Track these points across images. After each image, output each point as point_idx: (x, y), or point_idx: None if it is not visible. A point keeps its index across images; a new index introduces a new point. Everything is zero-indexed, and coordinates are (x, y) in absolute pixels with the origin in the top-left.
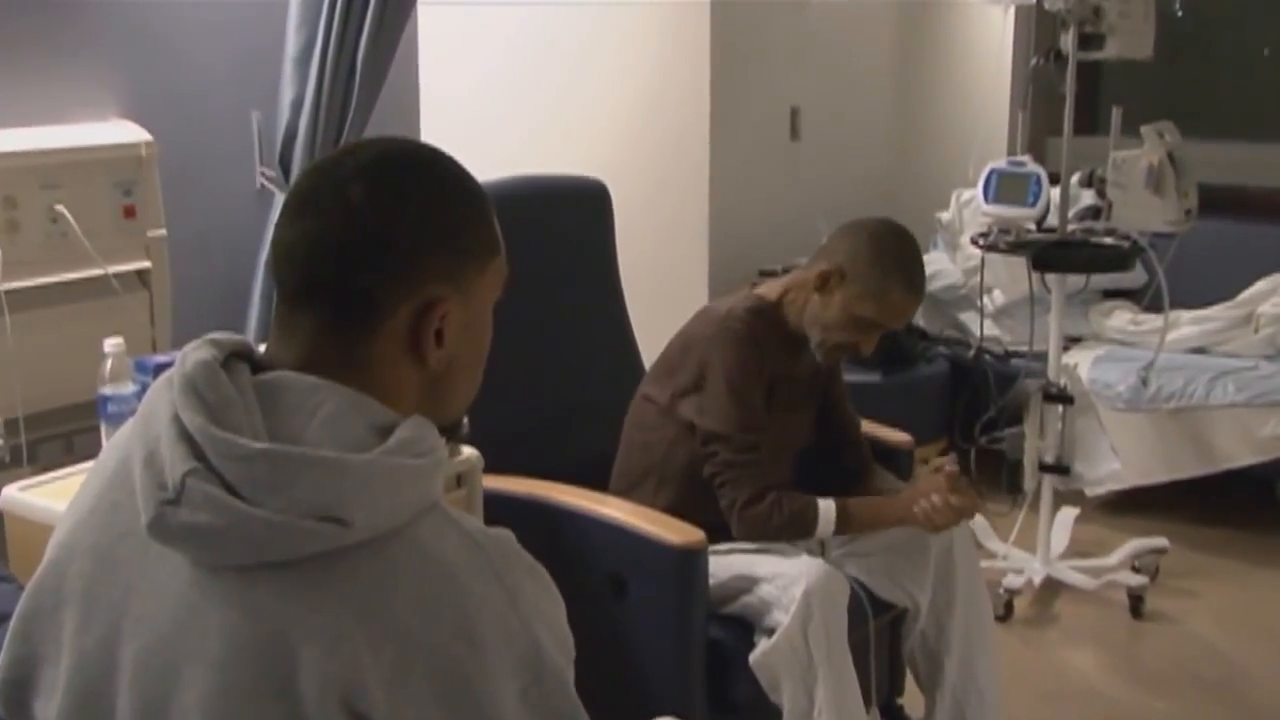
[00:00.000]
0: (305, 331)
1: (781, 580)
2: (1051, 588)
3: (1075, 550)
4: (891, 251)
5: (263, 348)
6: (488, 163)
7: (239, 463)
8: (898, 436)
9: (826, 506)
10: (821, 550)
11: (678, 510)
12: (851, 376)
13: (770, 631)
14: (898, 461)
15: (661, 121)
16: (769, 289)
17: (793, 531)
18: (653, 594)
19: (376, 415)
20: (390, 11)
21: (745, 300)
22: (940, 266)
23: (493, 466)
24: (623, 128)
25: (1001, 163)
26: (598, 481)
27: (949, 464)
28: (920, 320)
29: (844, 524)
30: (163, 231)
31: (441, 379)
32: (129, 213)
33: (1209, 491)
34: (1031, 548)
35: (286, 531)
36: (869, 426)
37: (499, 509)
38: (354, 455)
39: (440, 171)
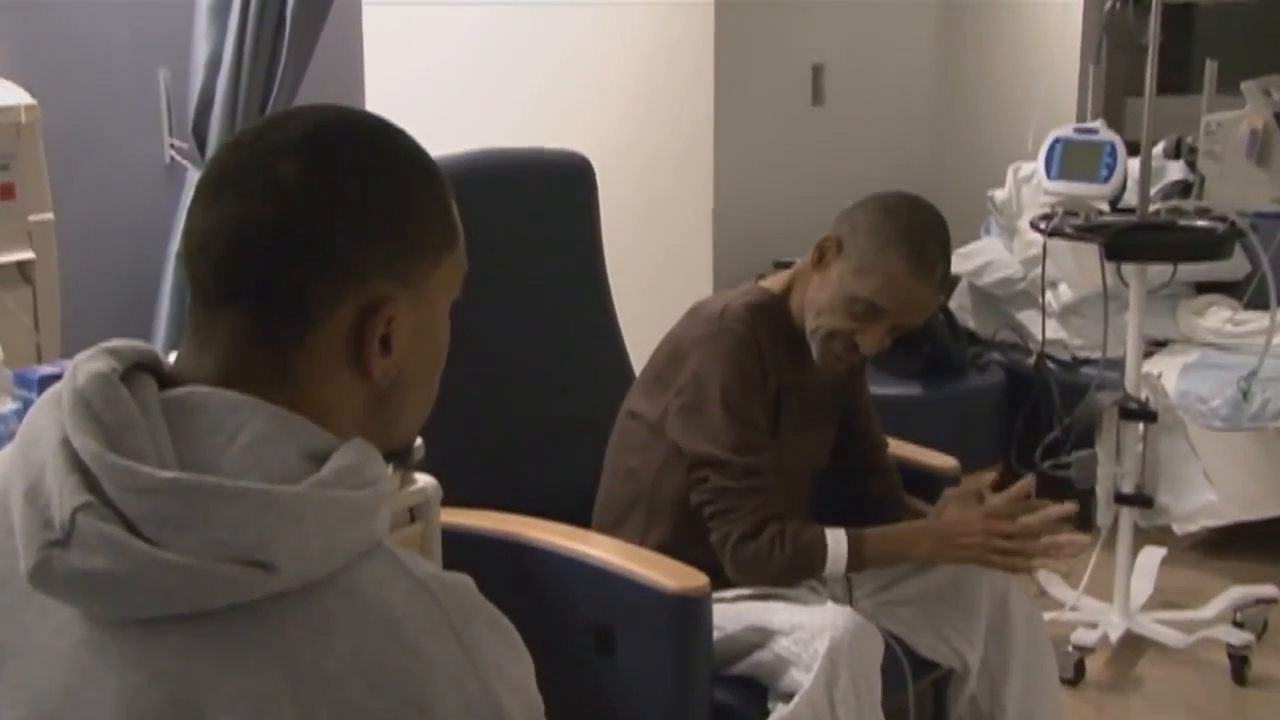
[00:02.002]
0: (225, 338)
1: (801, 634)
2: (1133, 645)
3: (1162, 600)
4: (898, 219)
5: (172, 357)
6: (450, 138)
7: (142, 496)
8: (941, 461)
9: (836, 538)
10: (849, 597)
11: (673, 549)
12: (886, 389)
13: (788, 696)
14: (940, 490)
15: (656, 83)
16: (774, 281)
17: (798, 571)
18: (645, 650)
19: (309, 438)
20: None
21: (745, 294)
22: (994, 256)
23: (452, 498)
24: (609, 91)
25: (1068, 130)
26: (578, 515)
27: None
28: (970, 320)
29: (858, 558)
30: (49, 215)
31: (389, 394)
32: (6, 192)
33: None
34: (1107, 596)
35: (199, 578)
36: (906, 449)
37: (460, 549)
38: (282, 487)
39: (387, 146)
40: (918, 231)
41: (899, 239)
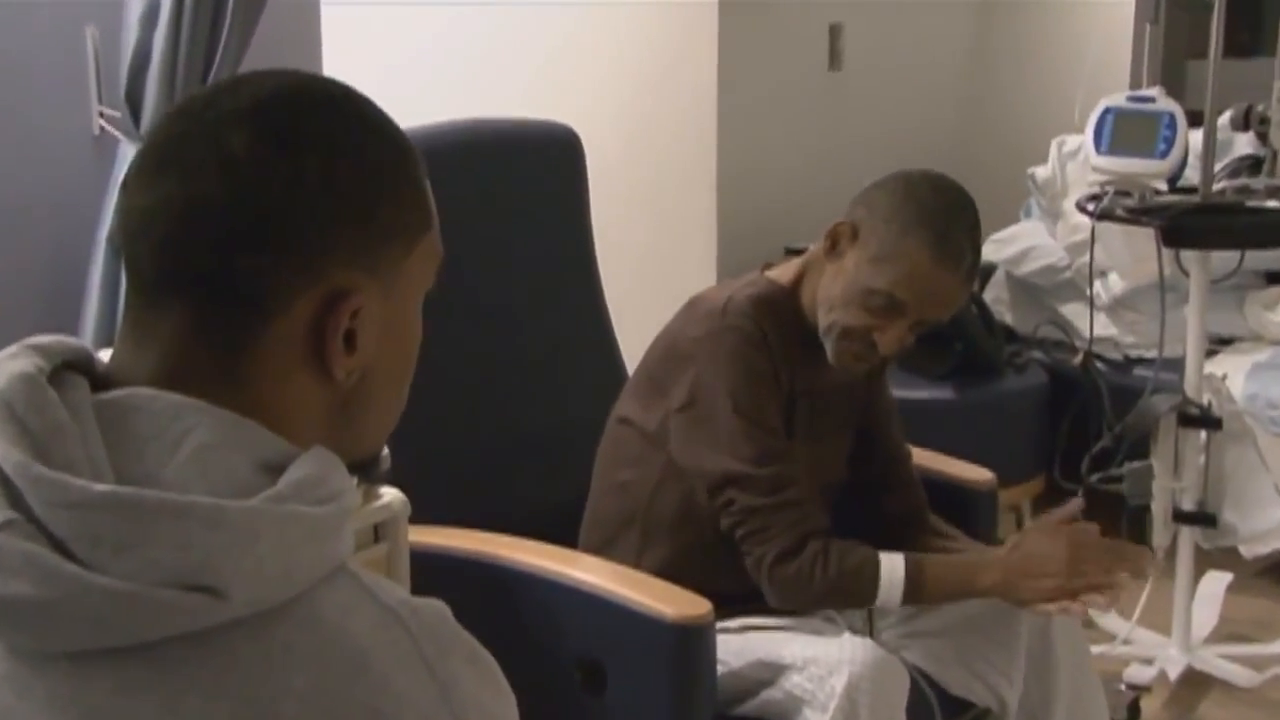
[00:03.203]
0: (167, 334)
1: (817, 668)
2: (1194, 683)
3: (1227, 632)
4: (919, 200)
5: (106, 355)
6: (423, 111)
7: (73, 512)
8: (975, 474)
9: (892, 564)
10: (869, 627)
11: (672, 572)
12: (912, 392)
13: None
14: (974, 508)
15: (652, 46)
16: (783, 270)
17: (844, 595)
18: (640, 687)
19: (263, 447)
20: None
21: (749, 286)
22: (1035, 242)
23: (423, 515)
24: (598, 55)
25: (1120, 98)
26: (564, 535)
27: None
28: (1007, 315)
29: (915, 590)
30: None
31: (353, 397)
32: None
33: None
34: (1165, 627)
35: (138, 605)
36: (935, 460)
37: (430, 572)
38: (232, 502)
39: (351, 117)
40: (941, 214)
41: (920, 223)
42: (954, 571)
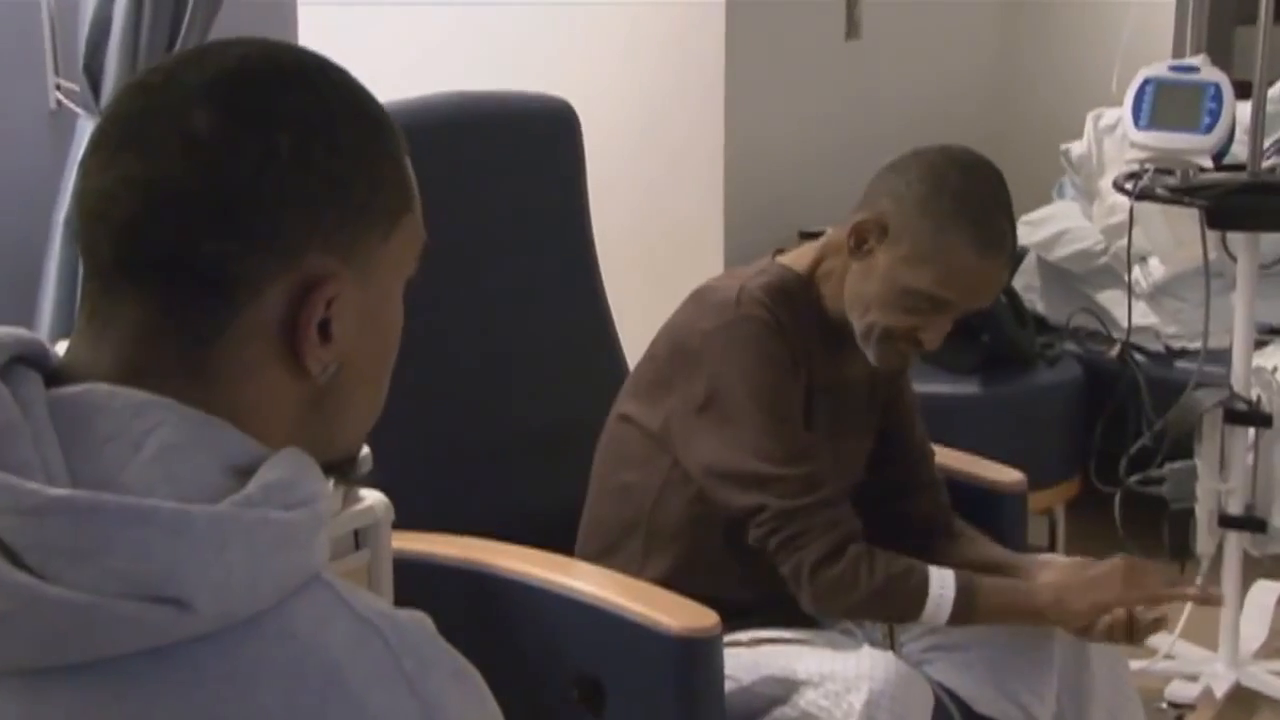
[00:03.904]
0: (127, 325)
1: (833, 685)
2: (1243, 701)
3: (1278, 646)
4: (952, 190)
5: (62, 348)
6: (406, 84)
7: (26, 519)
8: (1004, 475)
9: (942, 579)
10: (890, 641)
11: (677, 582)
12: (936, 386)
13: None
14: (1002, 512)
15: (654, 15)
16: (797, 257)
17: (889, 605)
18: (642, 705)
19: (232, 447)
20: None
21: (762, 274)
22: (1069, 224)
23: (407, 520)
24: (595, 24)
25: (1162, 68)
26: (560, 541)
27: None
28: (1039, 303)
29: (966, 609)
30: None
31: (328, 393)
32: None
33: None
34: (1211, 642)
35: (96, 618)
36: (960, 460)
37: (415, 581)
38: (198, 506)
39: (325, 90)
40: (976, 200)
41: (956, 214)
42: (1005, 595)
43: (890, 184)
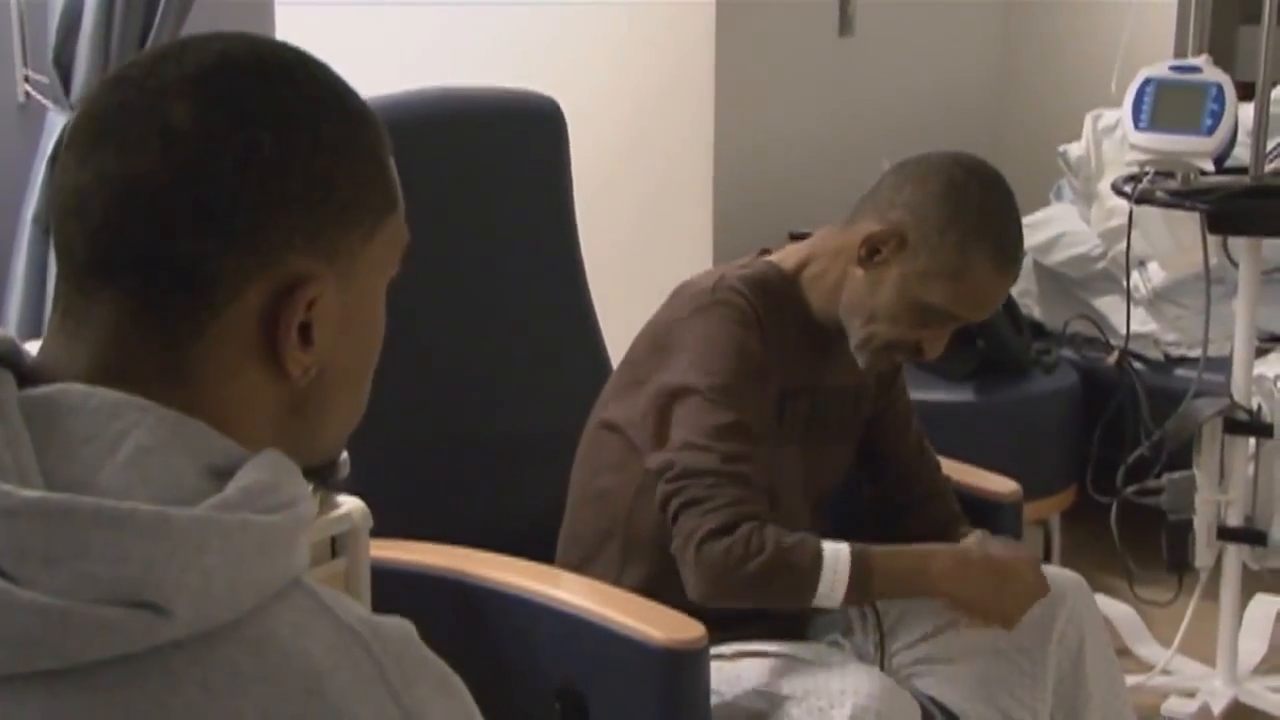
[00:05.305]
0: (102, 324)
1: (818, 700)
2: (1242, 718)
3: (1278, 662)
4: (975, 207)
5: (34, 348)
6: (389, 79)
7: None
8: (998, 485)
9: (836, 552)
10: (879, 655)
11: (656, 590)
12: (930, 394)
13: None
14: (997, 522)
15: (641, 10)
16: (784, 255)
17: (779, 581)
18: (627, 718)
19: (210, 450)
20: None
21: (743, 267)
22: (1066, 227)
23: (386, 527)
24: (583, 20)
25: (1163, 68)
26: (540, 549)
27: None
28: (1035, 309)
29: (863, 583)
30: None
31: (309, 396)
32: None
33: None
34: (1209, 656)
35: (70, 624)
36: (955, 469)
37: (393, 589)
38: (175, 509)
39: (308, 86)
40: (996, 216)
41: (980, 232)
42: (904, 560)
43: (905, 195)
